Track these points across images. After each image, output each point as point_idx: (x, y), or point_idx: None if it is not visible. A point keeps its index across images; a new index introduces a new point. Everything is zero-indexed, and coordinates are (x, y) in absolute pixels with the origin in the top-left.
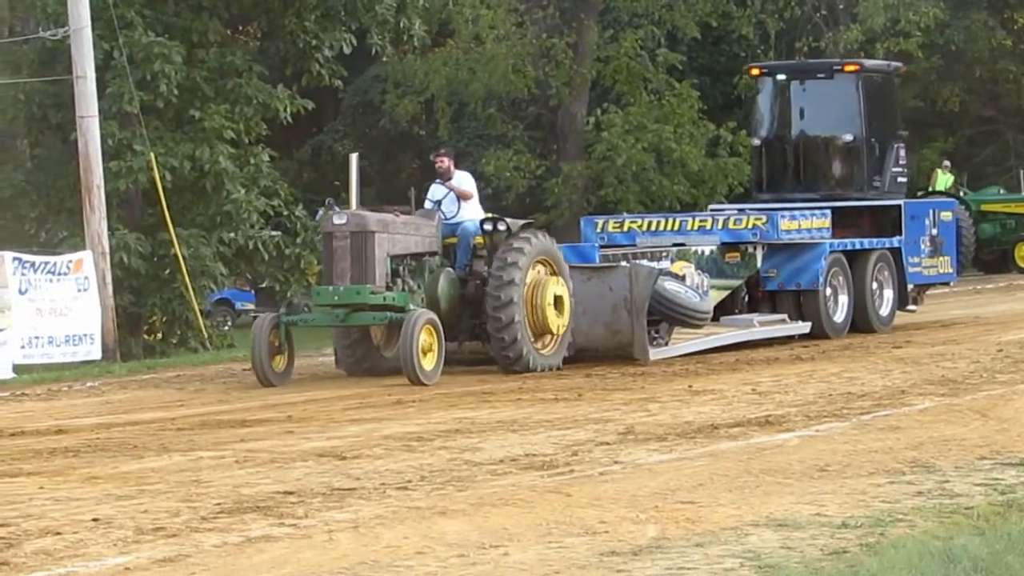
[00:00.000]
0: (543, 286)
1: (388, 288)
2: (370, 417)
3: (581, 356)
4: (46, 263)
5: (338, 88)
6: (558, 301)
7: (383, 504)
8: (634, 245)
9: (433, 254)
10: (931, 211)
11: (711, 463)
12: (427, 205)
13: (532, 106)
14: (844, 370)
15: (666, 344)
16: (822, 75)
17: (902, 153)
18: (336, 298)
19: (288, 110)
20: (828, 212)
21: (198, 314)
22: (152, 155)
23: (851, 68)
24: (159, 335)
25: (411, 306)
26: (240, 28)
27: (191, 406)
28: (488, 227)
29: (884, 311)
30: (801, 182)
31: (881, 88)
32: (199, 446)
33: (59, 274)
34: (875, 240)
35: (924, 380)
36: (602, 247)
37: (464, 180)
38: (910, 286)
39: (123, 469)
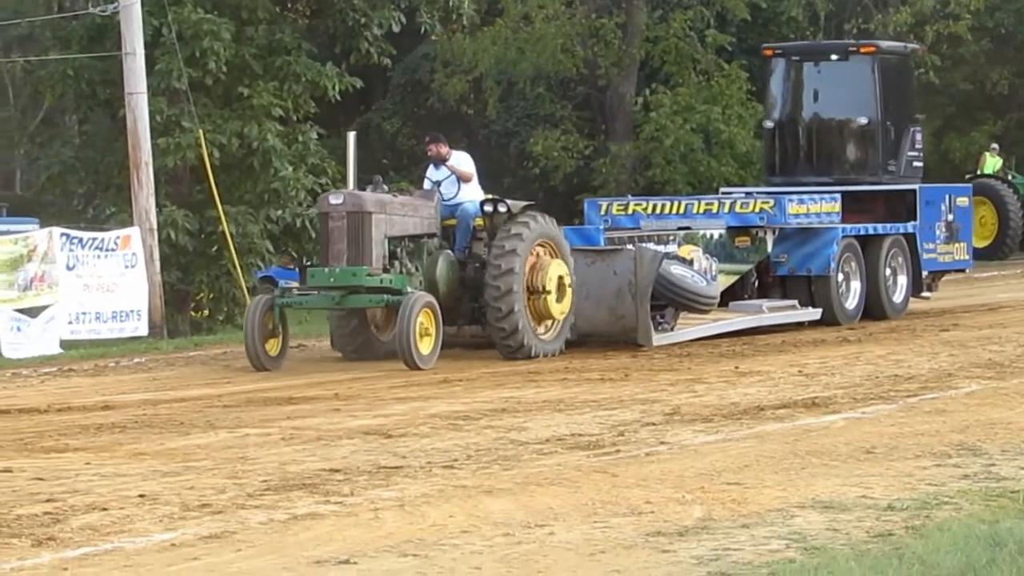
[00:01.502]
0: (544, 270)
1: (385, 270)
2: (416, 396)
3: (584, 341)
4: (94, 239)
5: (387, 66)
6: (559, 285)
7: (429, 482)
8: (638, 228)
9: (432, 236)
10: (947, 196)
11: (757, 444)
12: (426, 186)
13: (581, 86)
14: (891, 352)
15: (671, 329)
16: (837, 57)
17: (918, 137)
18: (332, 280)
19: (337, 88)
20: (838, 196)
21: (245, 291)
22: (200, 132)
23: (867, 50)
24: (206, 312)
25: (408, 289)
26: (289, 5)
27: (237, 383)
28: (488, 208)
29: (898, 298)
30: (814, 166)
31: (897, 70)
32: (245, 423)
33: (107, 250)
34: (889, 225)
35: (971, 363)
36: (606, 230)
37: (463, 161)
38: (925, 273)
39: (169, 445)
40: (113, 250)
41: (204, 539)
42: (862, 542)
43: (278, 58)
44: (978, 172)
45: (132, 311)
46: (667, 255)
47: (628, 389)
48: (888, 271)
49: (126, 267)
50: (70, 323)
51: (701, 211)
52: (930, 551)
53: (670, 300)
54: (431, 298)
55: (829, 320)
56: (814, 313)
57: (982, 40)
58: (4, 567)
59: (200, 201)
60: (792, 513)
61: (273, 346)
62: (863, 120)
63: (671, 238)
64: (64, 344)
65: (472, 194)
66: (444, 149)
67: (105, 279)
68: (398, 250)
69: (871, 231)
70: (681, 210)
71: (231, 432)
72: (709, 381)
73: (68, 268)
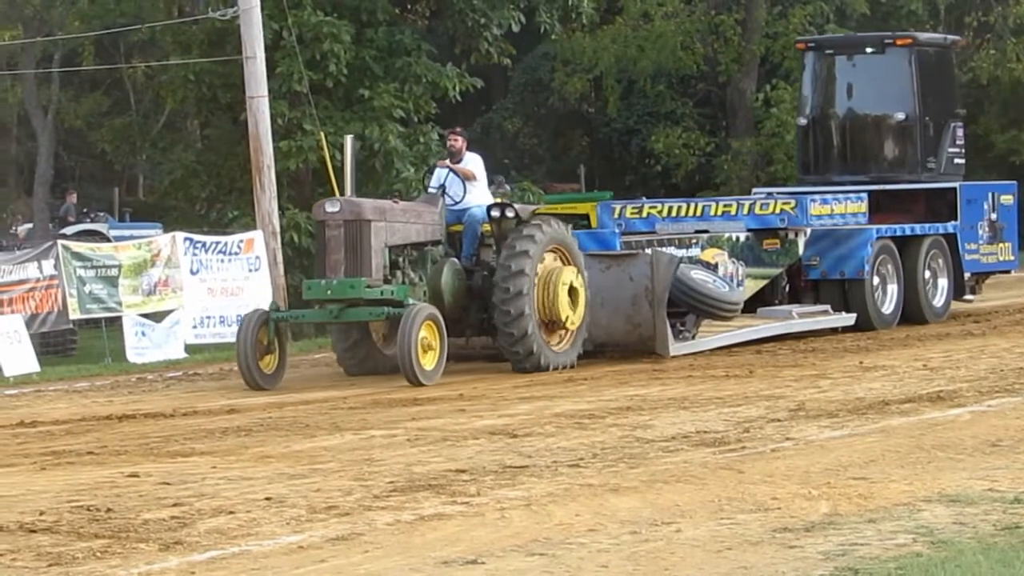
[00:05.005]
0: (556, 277)
1: (386, 281)
2: (541, 395)
3: (600, 351)
4: (217, 243)
5: (507, 66)
6: (572, 293)
7: (555, 481)
8: (654, 232)
9: (436, 243)
10: (990, 194)
11: (883, 439)
12: (431, 189)
13: (701, 83)
14: (1015, 345)
15: (692, 338)
16: (873, 49)
17: (959, 132)
18: (329, 292)
19: (457, 88)
20: (864, 196)
21: None
22: (322, 134)
23: (903, 42)
24: None
25: (410, 300)
26: (409, 7)
27: (363, 385)
28: (495, 213)
29: (938, 301)
30: (850, 164)
31: (937, 63)
32: (371, 425)
33: (230, 254)
34: (927, 225)
35: None
36: (622, 234)
37: (471, 161)
38: (967, 274)
39: (295, 448)
40: (236, 254)
41: (331, 541)
42: (989, 535)
43: (398, 59)
44: None
45: None
46: (687, 259)
47: (753, 385)
48: (927, 273)
49: (250, 270)
50: (194, 327)
51: (719, 213)
52: None
53: (690, 307)
54: (433, 310)
55: (864, 326)
56: (848, 319)
57: None
58: (132, 571)
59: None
60: (918, 507)
61: (269, 363)
62: (900, 116)
63: (694, 241)
64: (189, 348)
65: (480, 198)
66: (461, 144)
67: (229, 283)
68: (400, 259)
69: (908, 232)
70: (698, 212)
71: (357, 434)
72: (833, 376)
73: (192, 272)
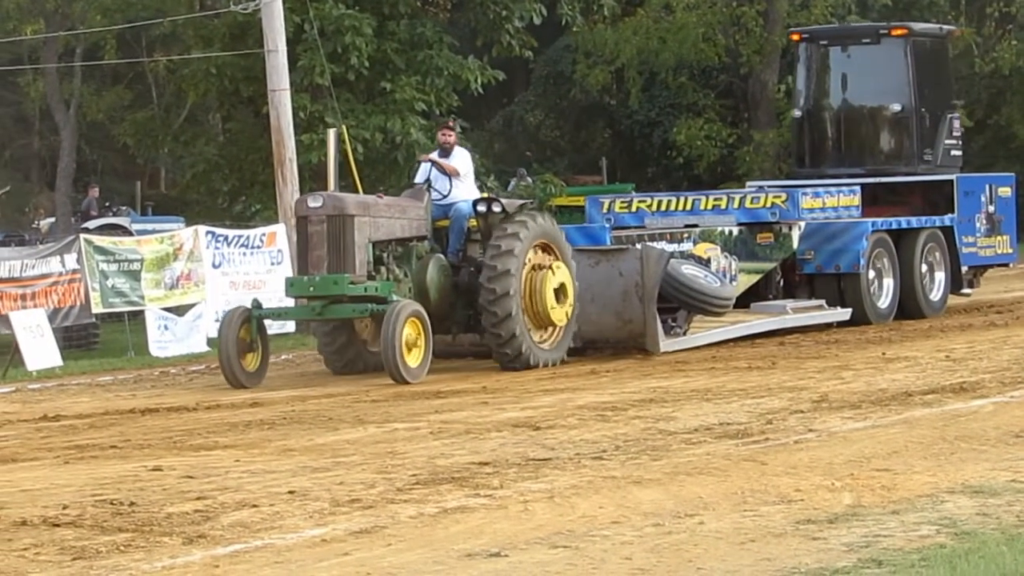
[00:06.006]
0: (543, 273)
1: (370, 277)
2: (564, 387)
3: (590, 348)
4: (239, 236)
5: (528, 59)
6: (560, 289)
7: (578, 474)
8: (643, 226)
9: (422, 239)
10: (988, 186)
11: (906, 430)
12: (418, 178)
13: (723, 74)
14: None
15: (684, 334)
16: (868, 40)
17: (956, 124)
18: (312, 289)
19: (479, 81)
20: (857, 189)
21: None
22: (344, 127)
23: (899, 32)
24: None
25: (394, 297)
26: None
27: (386, 378)
28: (482, 208)
29: (935, 295)
30: (845, 156)
31: (932, 53)
32: (394, 418)
33: (252, 247)
34: (924, 218)
35: None
36: (612, 229)
37: (459, 156)
38: (964, 268)
39: (318, 441)
40: (259, 247)
41: (354, 534)
42: (1013, 526)
43: (420, 52)
44: None
45: None
46: (678, 254)
47: (775, 377)
48: (924, 267)
49: (272, 264)
50: (217, 321)
51: (709, 207)
52: None
53: (681, 302)
54: (418, 306)
55: (860, 320)
56: (843, 313)
57: None
58: (156, 565)
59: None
60: (942, 498)
61: (251, 361)
62: (896, 107)
63: (686, 236)
64: (211, 342)
65: (467, 192)
66: (452, 139)
67: (251, 276)
68: (384, 255)
69: (904, 225)
70: (688, 206)
71: (380, 427)
72: (856, 368)
73: (214, 266)
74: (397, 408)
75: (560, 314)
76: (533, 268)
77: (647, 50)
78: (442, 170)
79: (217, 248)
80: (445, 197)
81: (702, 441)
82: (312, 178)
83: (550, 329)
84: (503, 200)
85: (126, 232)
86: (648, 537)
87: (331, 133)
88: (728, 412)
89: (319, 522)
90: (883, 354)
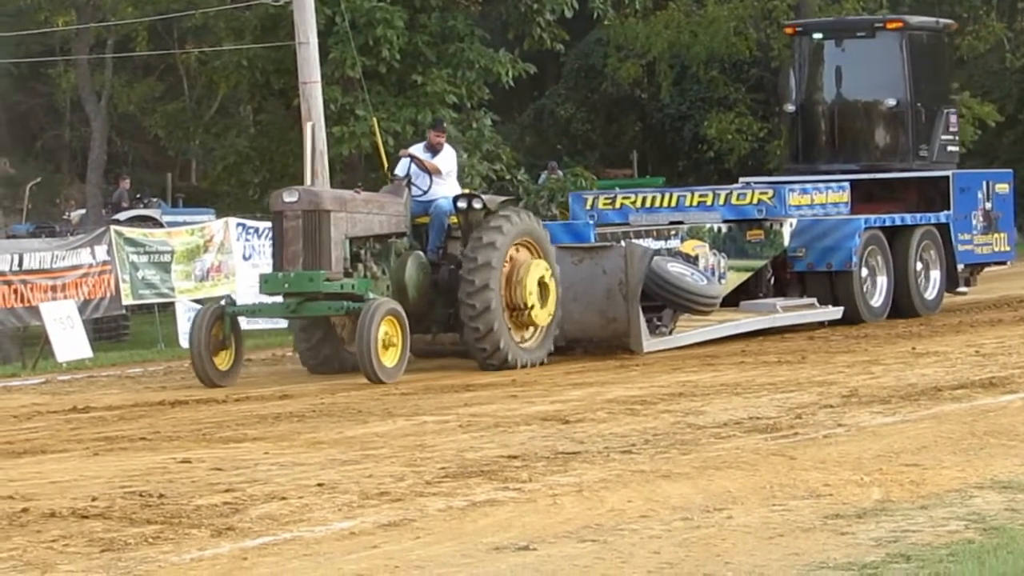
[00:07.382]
0: (525, 271)
1: (347, 274)
2: (593, 381)
3: (573, 347)
4: (269, 228)
5: (560, 52)
6: (542, 287)
7: (607, 468)
8: (627, 223)
9: (401, 235)
10: (984, 183)
11: (935, 425)
12: (399, 171)
13: (754, 68)
14: None
15: (669, 333)
16: (863, 34)
17: (952, 119)
18: (286, 285)
19: (510, 74)
20: (846, 185)
21: None
22: (375, 120)
23: (894, 25)
24: None
25: (371, 294)
26: None
27: (414, 371)
28: (462, 204)
29: (930, 294)
30: (839, 152)
31: (929, 48)
32: (423, 411)
33: None
34: (919, 215)
35: None
36: (596, 226)
37: (444, 153)
38: (960, 266)
39: (348, 434)
40: None
41: (383, 527)
42: None
43: (451, 45)
44: None
45: None
46: (664, 251)
47: (805, 371)
48: (919, 265)
49: None
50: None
51: (694, 203)
52: None
53: (666, 300)
54: (395, 304)
55: (852, 319)
56: (834, 312)
57: None
58: (184, 557)
59: (375, 189)
60: (971, 494)
61: (224, 359)
62: (891, 102)
63: (672, 233)
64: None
65: (448, 189)
66: (441, 140)
67: None
68: (362, 251)
69: (899, 222)
70: (673, 203)
71: (409, 420)
72: (886, 362)
73: (244, 258)
74: (426, 401)
75: (542, 313)
76: (514, 265)
77: (678, 44)
78: (423, 167)
79: (247, 240)
80: (425, 193)
81: (731, 435)
82: (343, 171)
83: (532, 328)
84: (484, 197)
85: (157, 224)
86: (676, 531)
87: (309, 127)
88: (757, 406)
89: (347, 515)
90: (913, 349)
